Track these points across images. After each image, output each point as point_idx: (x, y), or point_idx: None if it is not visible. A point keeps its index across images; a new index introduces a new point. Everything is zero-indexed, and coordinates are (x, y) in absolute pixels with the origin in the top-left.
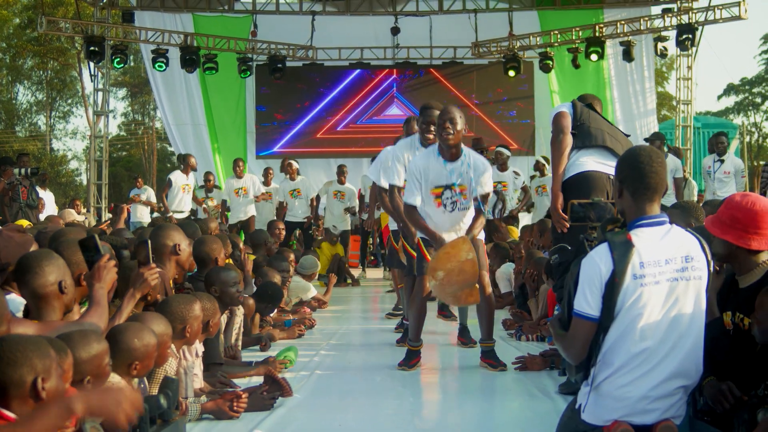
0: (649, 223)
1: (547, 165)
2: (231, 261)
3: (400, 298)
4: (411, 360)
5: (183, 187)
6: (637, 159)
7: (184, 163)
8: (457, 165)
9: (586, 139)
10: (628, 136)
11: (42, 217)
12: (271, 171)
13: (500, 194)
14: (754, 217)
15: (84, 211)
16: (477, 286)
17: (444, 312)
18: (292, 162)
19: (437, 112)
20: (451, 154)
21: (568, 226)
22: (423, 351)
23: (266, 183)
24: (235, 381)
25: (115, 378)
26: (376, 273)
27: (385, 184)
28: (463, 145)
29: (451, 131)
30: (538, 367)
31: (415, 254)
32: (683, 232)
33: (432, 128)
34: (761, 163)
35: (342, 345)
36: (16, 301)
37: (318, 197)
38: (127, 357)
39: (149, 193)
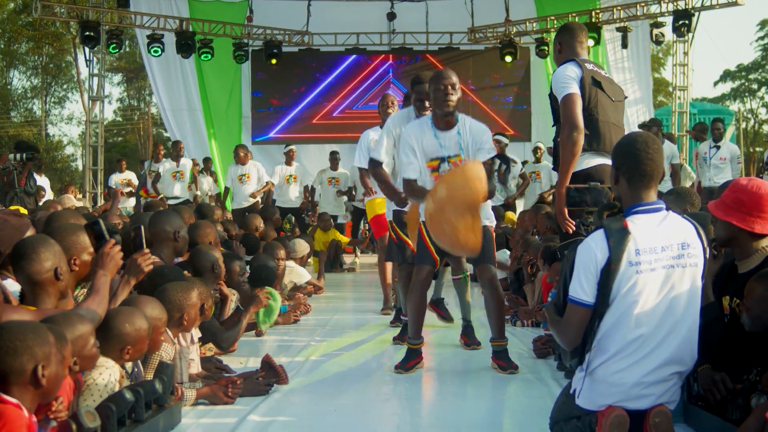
0: (646, 209)
1: (544, 150)
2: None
3: (387, 297)
4: (409, 362)
5: (173, 175)
6: (633, 145)
7: (174, 150)
8: (450, 134)
9: (594, 140)
10: (625, 98)
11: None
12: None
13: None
14: (759, 201)
15: (79, 196)
16: (481, 222)
17: (439, 309)
18: (292, 147)
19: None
20: (446, 122)
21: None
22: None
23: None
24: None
25: (109, 362)
26: (369, 258)
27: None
28: (458, 113)
29: (453, 97)
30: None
31: (408, 241)
32: (679, 218)
33: (427, 104)
34: (758, 149)
35: (337, 331)
36: (12, 286)
37: (312, 189)
38: (119, 342)
39: (131, 177)
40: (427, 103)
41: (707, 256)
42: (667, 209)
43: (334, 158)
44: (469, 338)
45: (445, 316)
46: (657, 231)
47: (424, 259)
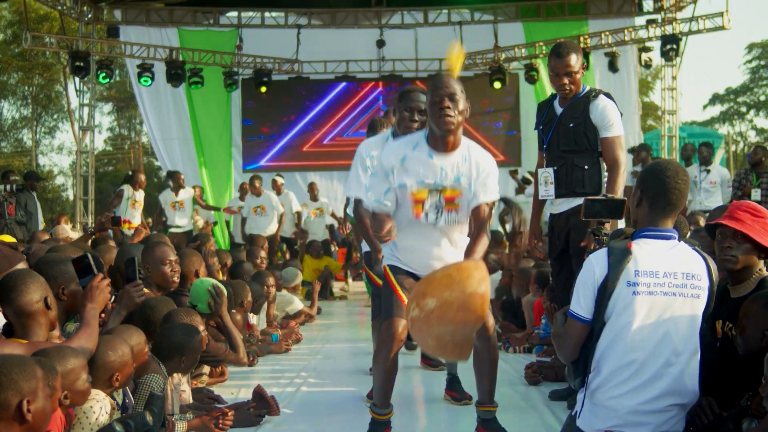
0: (655, 235)
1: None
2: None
3: None
4: None
5: (173, 205)
6: (663, 173)
7: (173, 180)
8: (451, 159)
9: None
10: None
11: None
12: (246, 185)
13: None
14: None
15: (70, 226)
16: (474, 335)
17: (429, 360)
18: (277, 178)
19: (423, 97)
20: (445, 143)
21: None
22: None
23: (241, 198)
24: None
25: (99, 395)
26: (360, 285)
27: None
28: (462, 135)
29: (452, 112)
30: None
31: (380, 283)
32: (690, 250)
33: (416, 116)
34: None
35: (328, 359)
36: None
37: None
38: (106, 371)
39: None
40: (416, 115)
41: (714, 290)
42: (679, 240)
43: (311, 189)
44: (457, 392)
45: (434, 363)
46: (662, 257)
47: (397, 311)
